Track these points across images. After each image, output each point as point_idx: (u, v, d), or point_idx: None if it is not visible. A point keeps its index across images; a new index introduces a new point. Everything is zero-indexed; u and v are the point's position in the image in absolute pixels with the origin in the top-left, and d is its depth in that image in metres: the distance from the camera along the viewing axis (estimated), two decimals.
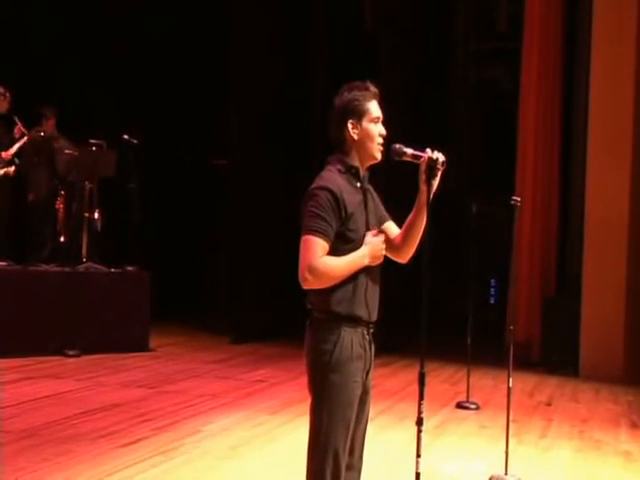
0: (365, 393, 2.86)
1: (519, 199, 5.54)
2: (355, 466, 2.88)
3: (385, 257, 2.98)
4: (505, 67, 12.32)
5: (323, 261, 2.70)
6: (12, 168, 9.23)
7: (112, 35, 11.78)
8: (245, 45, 10.59)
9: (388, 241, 2.96)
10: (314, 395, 2.79)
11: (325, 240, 2.71)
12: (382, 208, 2.98)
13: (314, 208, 2.74)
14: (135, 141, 9.31)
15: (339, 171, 2.86)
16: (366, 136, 2.87)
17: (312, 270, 2.69)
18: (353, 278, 2.77)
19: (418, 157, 2.82)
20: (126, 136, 9.31)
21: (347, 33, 11.95)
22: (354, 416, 2.79)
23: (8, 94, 9.18)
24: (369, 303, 2.83)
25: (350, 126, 2.86)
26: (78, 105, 11.07)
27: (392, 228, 2.99)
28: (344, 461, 2.77)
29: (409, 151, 2.83)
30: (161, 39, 12.23)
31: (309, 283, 2.71)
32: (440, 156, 2.80)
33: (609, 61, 9.24)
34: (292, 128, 11.12)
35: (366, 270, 2.81)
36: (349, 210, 2.77)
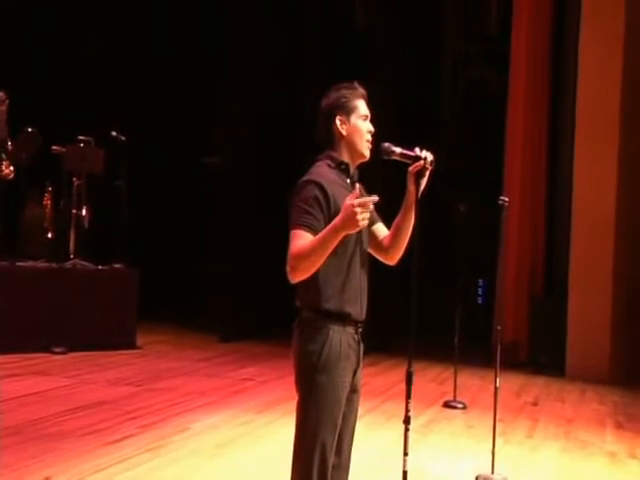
0: (353, 392, 2.85)
1: (507, 199, 5.57)
2: (343, 465, 2.87)
3: (373, 258, 2.98)
4: (494, 69, 12.34)
5: (298, 245, 2.65)
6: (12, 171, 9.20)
7: (102, 32, 11.74)
8: (237, 44, 10.59)
9: (377, 243, 2.95)
10: (301, 394, 2.78)
11: (310, 232, 2.67)
12: (372, 208, 2.96)
13: (301, 202, 2.72)
14: (123, 138, 9.29)
15: (329, 166, 2.85)
16: (355, 132, 2.86)
17: (290, 258, 2.65)
18: (344, 272, 2.75)
19: (407, 156, 2.81)
20: (114, 133, 9.29)
21: (338, 33, 11.95)
22: (341, 415, 2.79)
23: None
24: (359, 300, 2.82)
25: (339, 122, 2.85)
26: (66, 102, 11.03)
27: (381, 229, 2.97)
28: (331, 459, 2.76)
29: (398, 150, 2.81)
30: (152, 36, 12.19)
31: (292, 272, 2.65)
32: (429, 155, 2.79)
33: (597, 62, 9.28)
34: (283, 127, 11.11)
35: (355, 267, 2.80)
36: (338, 204, 2.72)
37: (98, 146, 9.41)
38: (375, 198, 2.59)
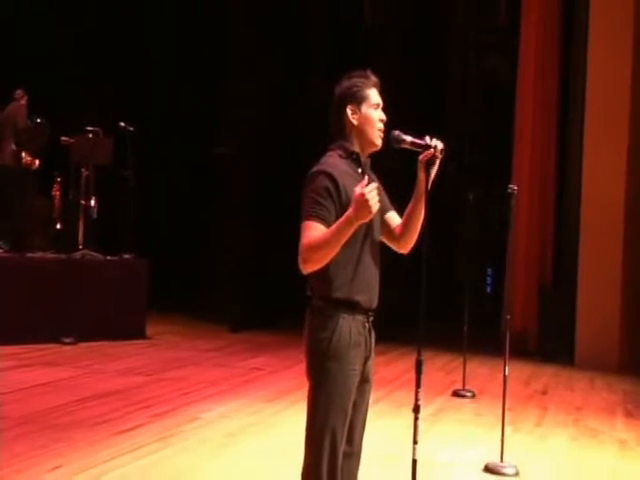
0: (365, 381, 2.85)
1: (516, 188, 5.55)
2: (355, 454, 2.88)
3: (385, 247, 2.97)
4: (504, 58, 12.30)
5: (310, 236, 2.66)
6: (37, 162, 9.32)
7: (109, 23, 11.74)
8: (244, 35, 10.57)
9: (390, 231, 2.95)
10: (312, 382, 2.78)
11: (322, 223, 2.68)
12: (385, 197, 2.94)
13: (312, 193, 2.73)
14: (131, 128, 9.29)
15: (340, 156, 2.85)
16: (366, 121, 2.85)
17: (302, 250, 2.66)
18: (354, 261, 2.75)
19: (417, 145, 2.80)
20: (122, 123, 9.29)
21: (346, 24, 11.92)
22: (351, 403, 2.79)
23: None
24: (370, 289, 2.82)
25: (349, 111, 2.85)
26: (74, 93, 11.05)
27: (394, 218, 2.97)
28: (341, 446, 2.77)
29: (408, 138, 2.79)
30: (159, 26, 12.19)
31: (304, 263, 2.66)
32: (439, 144, 2.78)
33: (606, 51, 9.25)
34: (292, 118, 11.10)
35: (365, 256, 2.79)
36: (349, 194, 2.72)
37: (106, 137, 9.42)
38: (375, 184, 2.61)
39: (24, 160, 9.18)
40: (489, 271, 11.86)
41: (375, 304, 2.85)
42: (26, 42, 10.95)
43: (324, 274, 2.73)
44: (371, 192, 2.55)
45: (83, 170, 9.35)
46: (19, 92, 9.35)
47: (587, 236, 9.29)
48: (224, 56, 10.77)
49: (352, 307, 2.77)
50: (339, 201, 2.72)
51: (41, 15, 11.25)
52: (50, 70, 10.89)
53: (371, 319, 2.85)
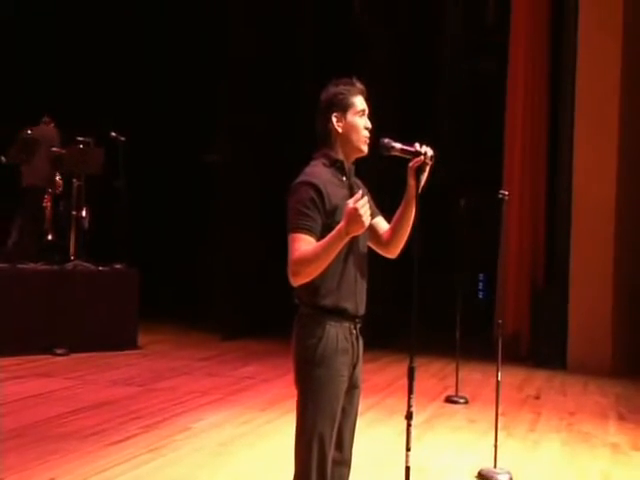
0: (353, 387, 2.86)
1: (507, 193, 5.56)
2: (345, 460, 2.88)
3: (374, 253, 2.98)
4: (493, 60, 12.32)
5: (301, 250, 2.67)
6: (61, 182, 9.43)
7: (100, 32, 11.73)
8: (237, 41, 10.56)
9: (377, 237, 2.95)
10: (300, 389, 2.79)
11: (309, 235, 2.69)
12: (372, 203, 2.95)
13: (297, 204, 2.73)
14: (123, 138, 9.28)
15: (324, 165, 2.86)
16: (351, 129, 2.86)
17: (293, 263, 2.67)
18: (339, 270, 2.76)
19: (407, 152, 2.80)
20: (114, 133, 9.27)
21: (335, 26, 11.93)
22: (339, 410, 2.79)
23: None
24: (356, 296, 2.83)
25: (334, 119, 2.86)
26: (65, 103, 11.03)
27: (382, 224, 2.98)
28: (330, 452, 2.77)
29: (398, 145, 2.80)
30: (149, 34, 12.18)
31: (294, 276, 2.68)
32: (429, 150, 2.79)
33: (596, 49, 9.26)
34: (282, 124, 11.09)
35: (353, 263, 2.80)
36: (333, 203, 2.74)
37: (97, 147, 9.41)
38: (366, 198, 2.63)
39: (57, 183, 9.33)
40: (481, 276, 11.87)
41: (362, 311, 2.87)
42: (26, 42, 10.95)
43: (311, 283, 2.73)
44: (363, 207, 2.57)
45: (74, 181, 9.34)
46: (46, 119, 9.61)
47: (578, 240, 9.30)
48: (217, 63, 10.75)
49: (339, 314, 2.78)
50: (324, 211, 2.74)
51: (41, 15, 11.24)
52: (39, 80, 10.87)
53: (359, 326, 2.86)
